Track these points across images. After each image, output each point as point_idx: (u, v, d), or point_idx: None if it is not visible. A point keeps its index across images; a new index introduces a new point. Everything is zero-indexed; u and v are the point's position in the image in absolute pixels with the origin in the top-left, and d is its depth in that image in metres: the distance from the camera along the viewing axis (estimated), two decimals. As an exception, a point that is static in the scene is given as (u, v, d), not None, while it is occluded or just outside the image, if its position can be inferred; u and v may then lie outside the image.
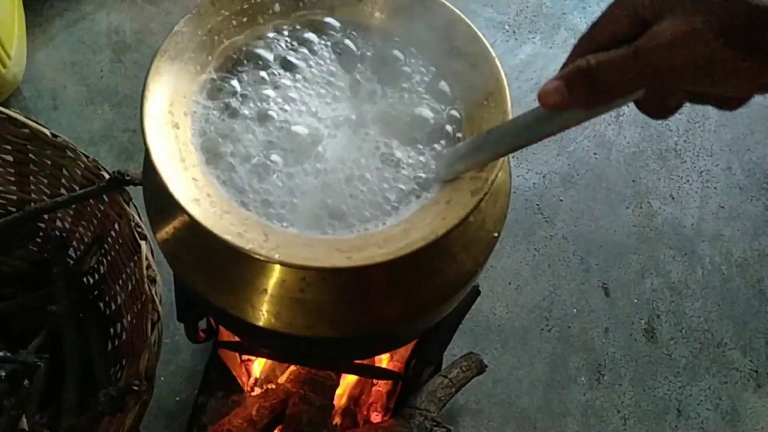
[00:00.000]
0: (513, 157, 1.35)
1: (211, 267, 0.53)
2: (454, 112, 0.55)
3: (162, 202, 0.54)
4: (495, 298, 1.19)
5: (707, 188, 1.35)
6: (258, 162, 0.51)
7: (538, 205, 1.29)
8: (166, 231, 0.54)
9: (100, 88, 1.35)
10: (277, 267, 0.51)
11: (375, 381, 0.94)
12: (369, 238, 0.48)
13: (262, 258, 0.45)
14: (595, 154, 1.38)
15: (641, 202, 1.32)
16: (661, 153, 1.39)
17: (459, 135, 0.54)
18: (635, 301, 1.21)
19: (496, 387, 1.10)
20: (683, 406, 1.11)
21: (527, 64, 1.50)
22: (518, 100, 1.43)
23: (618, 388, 1.12)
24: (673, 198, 1.34)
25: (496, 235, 0.58)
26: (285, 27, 0.58)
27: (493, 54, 0.55)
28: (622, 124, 1.42)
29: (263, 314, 0.52)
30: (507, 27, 1.56)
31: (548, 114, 0.41)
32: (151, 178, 0.56)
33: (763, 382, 1.15)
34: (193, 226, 0.46)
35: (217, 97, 0.55)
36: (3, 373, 0.76)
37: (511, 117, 0.52)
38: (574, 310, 1.19)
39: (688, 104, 1.39)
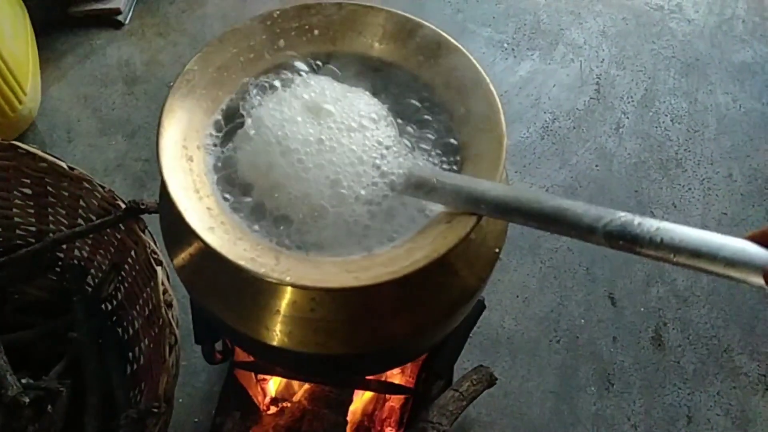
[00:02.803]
0: (516, 172, 1.38)
1: (226, 290, 0.55)
2: (451, 139, 0.58)
3: (179, 231, 0.57)
4: (503, 311, 1.21)
5: (709, 196, 1.37)
6: (269, 191, 0.54)
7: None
8: (183, 258, 0.57)
9: (112, 120, 1.39)
10: (289, 289, 0.54)
11: (388, 396, 0.96)
12: (375, 258, 0.51)
13: (274, 281, 0.48)
14: (596, 166, 1.40)
15: (644, 212, 1.34)
16: (662, 163, 1.41)
17: (457, 159, 0.57)
18: (642, 309, 1.22)
19: (507, 399, 1.12)
20: (693, 412, 1.13)
21: (527, 80, 1.53)
22: (520, 115, 1.47)
23: (627, 396, 1.13)
24: (675, 207, 1.35)
25: (497, 251, 0.60)
26: (290, 61, 0.61)
27: (488, 80, 0.58)
28: (623, 136, 1.45)
29: (276, 334, 0.55)
30: (506, 45, 1.59)
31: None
32: (167, 209, 0.59)
33: (773, 386, 1.16)
34: (209, 252, 0.48)
35: (228, 130, 0.58)
36: (27, 399, 0.78)
37: (505, 141, 0.54)
38: (582, 321, 1.21)
39: (687, 113, 1.41)
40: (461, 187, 0.51)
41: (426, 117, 0.60)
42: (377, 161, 0.55)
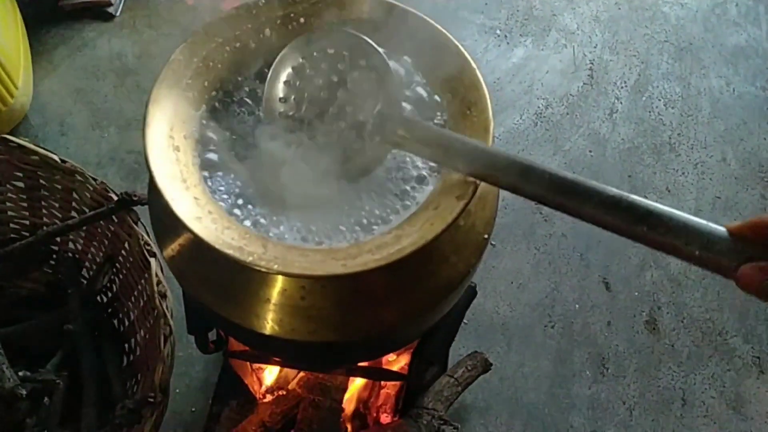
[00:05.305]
0: (510, 159, 1.38)
1: (216, 280, 0.56)
2: (438, 124, 0.58)
3: (167, 222, 0.57)
4: (498, 297, 1.21)
5: (703, 180, 1.38)
6: (255, 178, 0.55)
7: (536, 204, 1.32)
8: (172, 248, 0.57)
9: (105, 112, 1.39)
10: (278, 277, 0.54)
11: (383, 384, 0.97)
12: (362, 246, 0.51)
13: (262, 269, 0.48)
14: (590, 151, 1.40)
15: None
16: (656, 147, 1.41)
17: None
18: (636, 294, 1.23)
19: (502, 384, 1.13)
20: (688, 394, 1.13)
21: (520, 66, 1.53)
22: (512, 102, 1.47)
23: (622, 380, 1.14)
24: (669, 191, 1.36)
25: (486, 237, 0.61)
26: (275, 51, 0.61)
27: (474, 65, 0.58)
28: (616, 121, 1.45)
29: (267, 322, 0.55)
30: (498, 32, 1.59)
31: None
32: (155, 200, 0.59)
33: (766, 368, 1.17)
34: (197, 242, 0.48)
35: (215, 120, 0.58)
36: (24, 392, 0.79)
37: (492, 127, 0.54)
38: (576, 306, 1.21)
39: (680, 97, 1.40)
40: (470, 148, 0.51)
41: (411, 103, 0.60)
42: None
